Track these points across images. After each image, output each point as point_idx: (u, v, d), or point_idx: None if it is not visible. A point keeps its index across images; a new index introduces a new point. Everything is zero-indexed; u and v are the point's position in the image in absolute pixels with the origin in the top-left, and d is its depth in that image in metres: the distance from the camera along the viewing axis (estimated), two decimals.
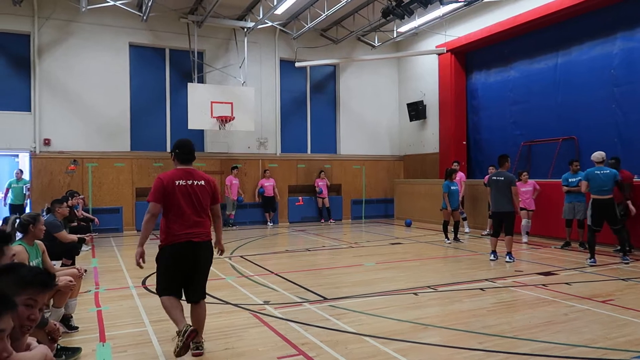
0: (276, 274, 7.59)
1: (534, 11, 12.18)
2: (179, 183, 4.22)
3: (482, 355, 4.13)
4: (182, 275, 4.24)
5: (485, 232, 12.17)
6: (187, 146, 4.40)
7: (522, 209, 10.99)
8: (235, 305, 5.80)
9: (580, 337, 4.53)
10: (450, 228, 11.11)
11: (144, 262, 4.25)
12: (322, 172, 16.01)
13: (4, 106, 12.79)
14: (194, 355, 4.13)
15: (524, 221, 11.00)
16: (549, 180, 11.56)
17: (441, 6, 13.37)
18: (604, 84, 11.32)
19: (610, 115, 11.18)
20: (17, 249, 4.47)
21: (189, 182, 4.25)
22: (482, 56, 14.85)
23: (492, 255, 8.74)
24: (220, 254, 4.79)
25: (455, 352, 4.20)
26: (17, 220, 4.79)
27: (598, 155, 8.43)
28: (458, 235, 11.23)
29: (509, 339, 4.52)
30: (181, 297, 4.31)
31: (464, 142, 15.43)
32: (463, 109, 15.42)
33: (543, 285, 6.70)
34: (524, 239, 10.99)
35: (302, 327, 4.91)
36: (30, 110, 12.99)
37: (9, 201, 12.68)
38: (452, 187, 11.01)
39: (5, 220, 4.72)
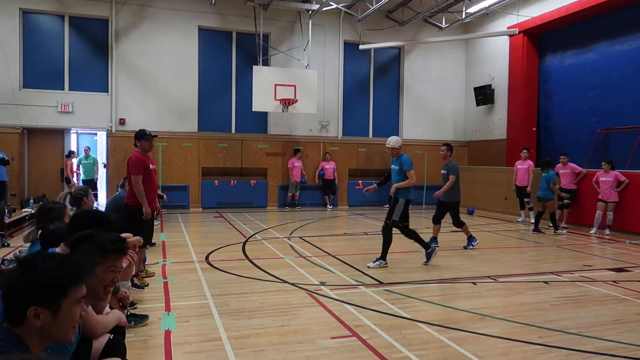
0: (333, 256, 7.67)
1: None
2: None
3: (542, 350, 3.99)
4: None
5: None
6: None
7: (599, 200, 10.47)
8: (292, 284, 5.93)
9: None
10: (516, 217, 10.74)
11: None
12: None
13: (85, 87, 13.68)
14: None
15: (597, 213, 10.47)
16: (627, 170, 10.80)
17: None
18: None
19: None
20: None
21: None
22: (557, 38, 13.98)
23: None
24: None
25: (514, 345, 4.09)
26: (69, 195, 5.13)
27: None
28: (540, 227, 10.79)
29: (572, 335, 4.33)
30: None
31: (534, 129, 14.70)
32: (534, 93, 14.66)
33: (614, 282, 6.33)
34: (592, 230, 10.47)
35: (356, 309, 4.96)
36: (107, 92, 13.80)
37: (82, 177, 13.68)
38: None
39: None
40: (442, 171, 8.64)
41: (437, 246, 7.56)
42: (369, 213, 14.18)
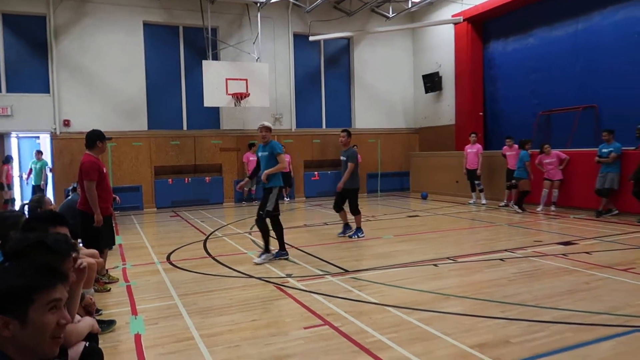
0: (296, 248, 7.71)
1: None
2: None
3: (505, 323, 4.20)
4: None
5: (502, 204, 12.16)
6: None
7: (545, 179, 11.06)
8: (259, 278, 5.93)
9: (602, 305, 4.58)
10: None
11: None
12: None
13: (24, 88, 12.96)
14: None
15: (543, 191, 11.06)
16: (568, 150, 11.42)
17: None
18: (628, 48, 11.02)
19: (635, 81, 10.88)
20: None
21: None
22: (499, 24, 14.53)
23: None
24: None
25: (478, 321, 4.28)
26: (26, 206, 4.99)
27: None
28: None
29: (530, 307, 4.59)
30: None
31: (481, 113, 15.26)
32: (480, 79, 15.20)
33: (563, 255, 6.72)
34: (539, 207, 11.08)
35: (325, 298, 5.03)
36: (49, 92, 13.14)
37: (32, 182, 12.99)
38: None
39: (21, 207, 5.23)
40: (341, 157, 8.76)
41: (363, 235, 8.44)
42: (326, 204, 14.27)
